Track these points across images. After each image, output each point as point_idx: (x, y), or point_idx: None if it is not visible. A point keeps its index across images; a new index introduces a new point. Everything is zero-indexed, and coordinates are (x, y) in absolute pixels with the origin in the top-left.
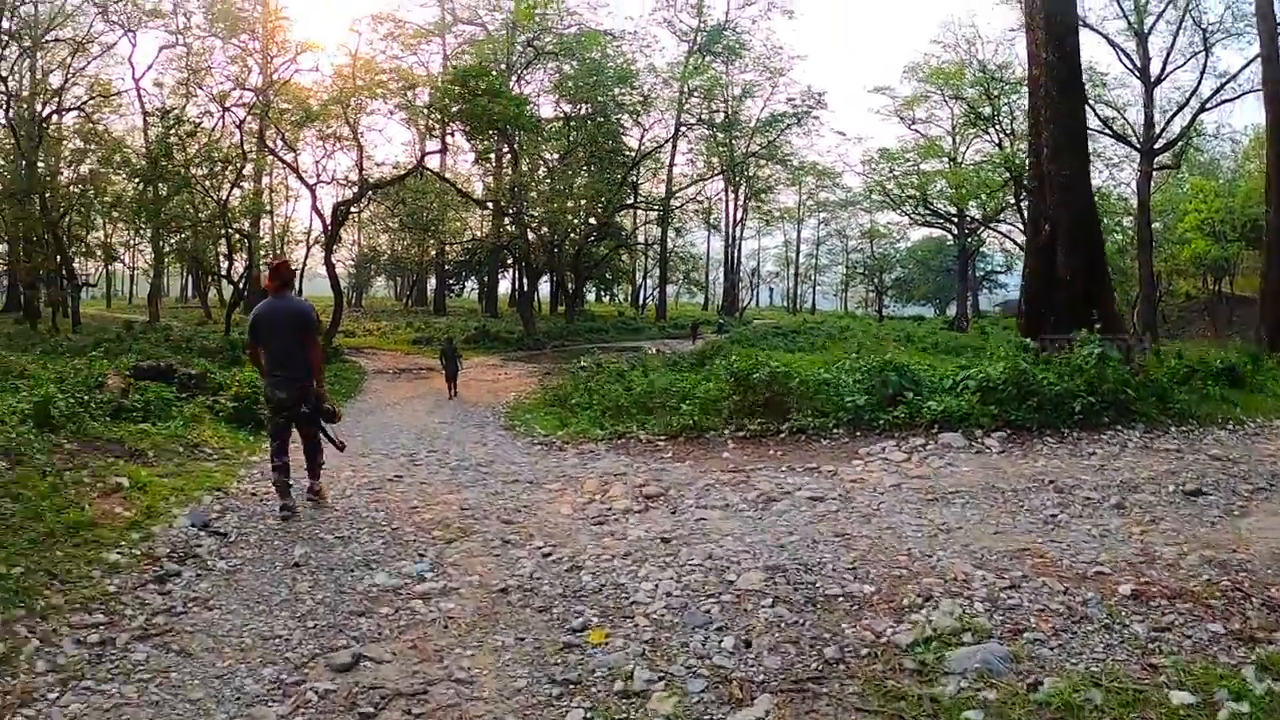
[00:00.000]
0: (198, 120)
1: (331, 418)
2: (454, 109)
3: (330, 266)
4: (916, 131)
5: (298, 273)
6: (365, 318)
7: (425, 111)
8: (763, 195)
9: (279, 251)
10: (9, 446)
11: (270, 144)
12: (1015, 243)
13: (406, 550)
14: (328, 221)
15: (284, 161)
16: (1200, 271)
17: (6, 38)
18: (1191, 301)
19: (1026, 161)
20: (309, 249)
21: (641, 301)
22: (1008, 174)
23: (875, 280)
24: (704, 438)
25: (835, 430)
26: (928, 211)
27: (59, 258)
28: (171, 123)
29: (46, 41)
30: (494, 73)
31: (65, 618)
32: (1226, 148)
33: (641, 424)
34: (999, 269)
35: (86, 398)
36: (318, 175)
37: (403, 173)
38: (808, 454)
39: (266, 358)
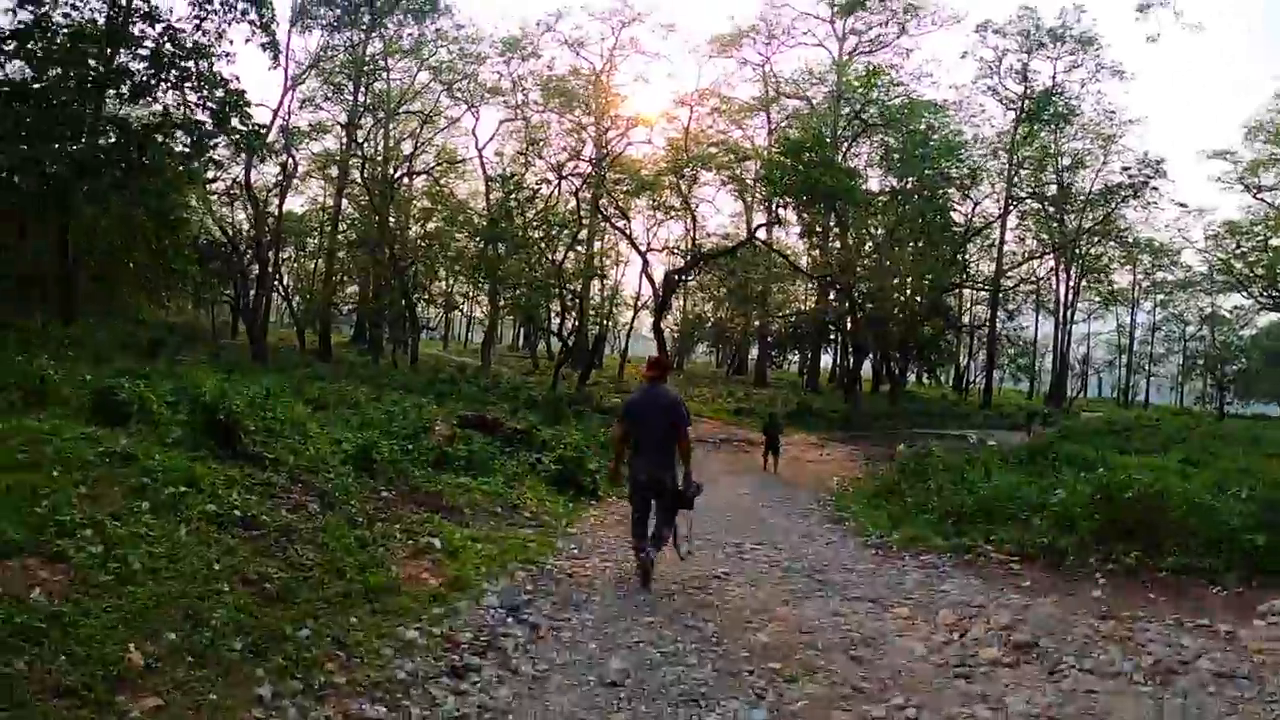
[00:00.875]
0: (535, 187)
1: (689, 503)
2: (784, 181)
3: (659, 332)
4: (1262, 200)
5: (625, 334)
6: (686, 383)
7: (754, 184)
8: (1096, 275)
9: (610, 312)
10: (325, 489)
11: (604, 211)
12: None
13: (740, 684)
14: (658, 288)
15: (617, 228)
16: None
17: (363, 109)
18: None
19: None
20: (636, 312)
21: (964, 385)
22: None
23: (1216, 373)
24: (1064, 564)
25: (1226, 574)
26: (1278, 293)
27: (404, 301)
28: (511, 188)
29: (398, 114)
30: (825, 142)
31: (343, 703)
32: None
33: (986, 534)
34: None
35: (411, 446)
36: (649, 243)
37: (734, 244)
38: (1194, 604)
39: (636, 441)
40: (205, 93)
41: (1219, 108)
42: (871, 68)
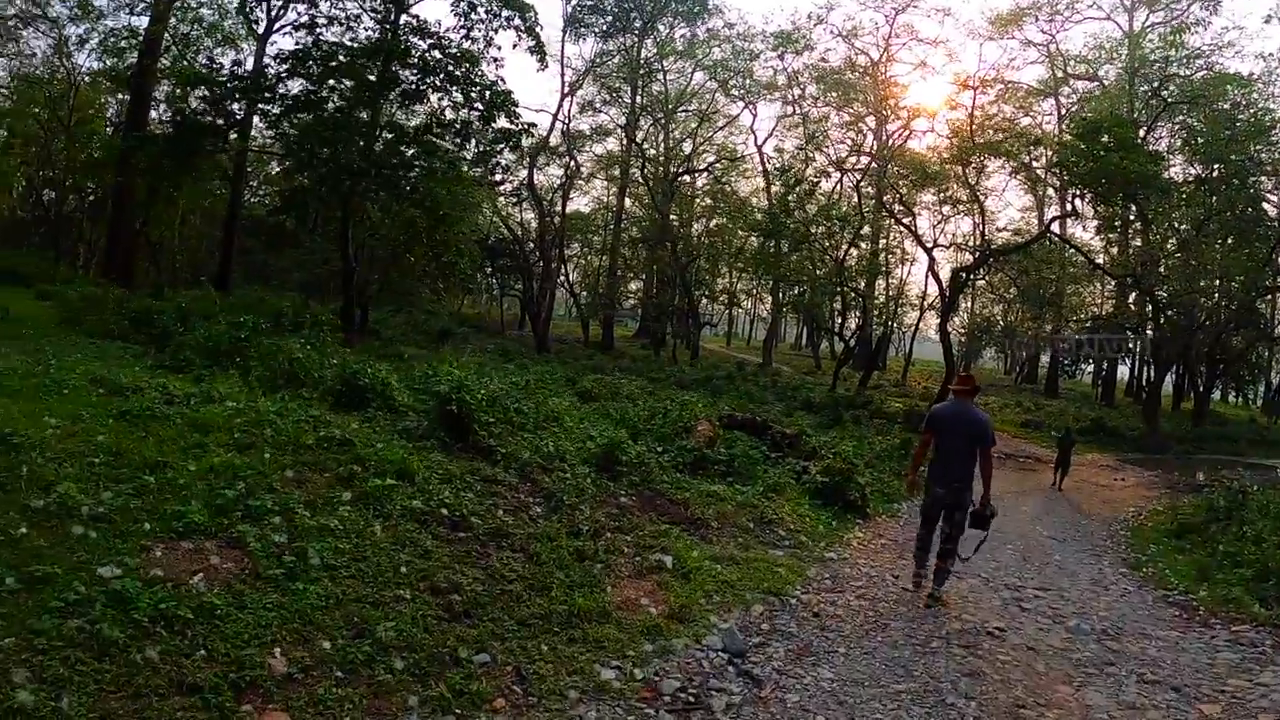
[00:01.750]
0: (815, 180)
1: (983, 523)
2: (1080, 167)
3: (944, 333)
4: None
5: (910, 336)
6: (979, 390)
7: (1047, 172)
8: None
9: (894, 313)
10: (554, 490)
11: (887, 206)
12: None
13: None
14: (944, 287)
15: (901, 224)
16: None
17: (641, 111)
18: None
19: None
20: (922, 313)
21: (1276, 408)
22: None
23: None
24: None
25: None
26: None
27: (685, 297)
28: (792, 180)
29: (676, 114)
30: (1124, 122)
31: None
32: None
33: None
34: None
35: (666, 447)
36: (935, 240)
37: (1026, 239)
38: None
39: (936, 453)
40: (471, 94)
41: None
42: (1175, 26)
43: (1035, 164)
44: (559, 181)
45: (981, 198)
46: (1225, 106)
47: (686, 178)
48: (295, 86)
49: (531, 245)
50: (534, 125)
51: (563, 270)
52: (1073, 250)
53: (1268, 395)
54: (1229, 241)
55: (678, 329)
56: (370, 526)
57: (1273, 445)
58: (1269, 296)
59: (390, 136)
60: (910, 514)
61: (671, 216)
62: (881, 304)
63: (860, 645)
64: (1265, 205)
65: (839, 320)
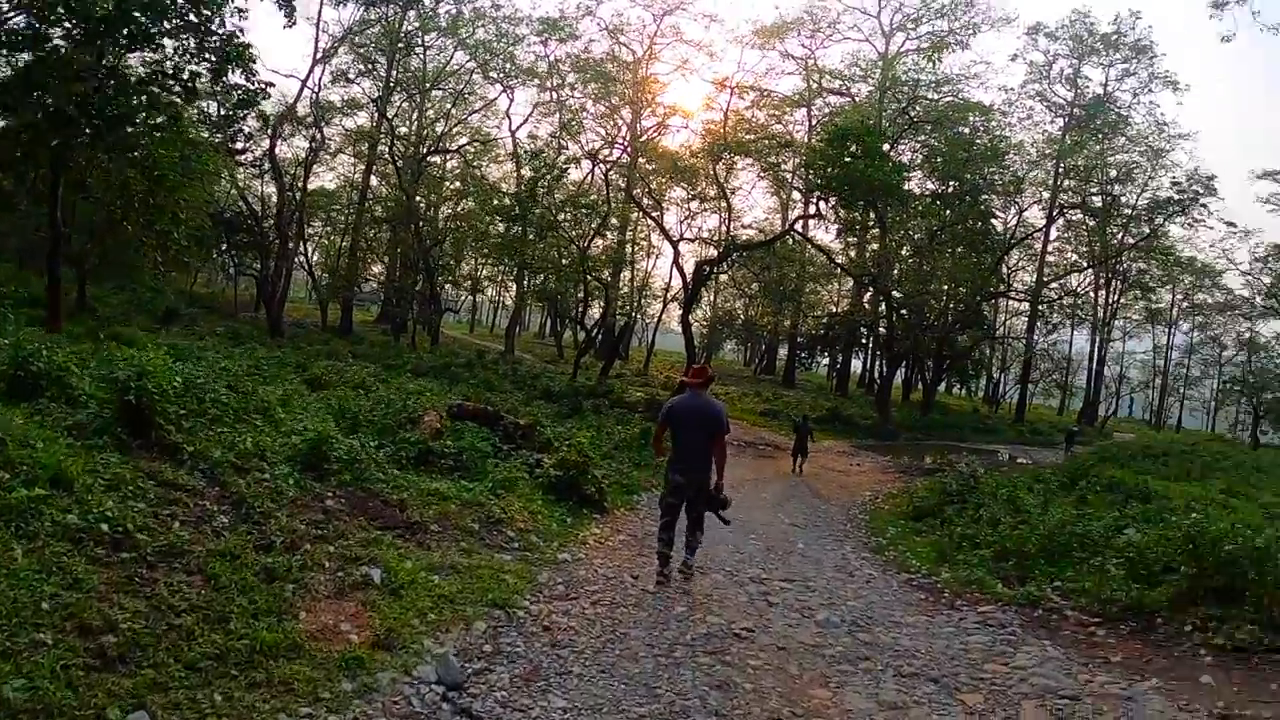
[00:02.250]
0: (565, 166)
1: (723, 505)
2: (827, 171)
3: (687, 325)
4: None
5: (653, 327)
6: (713, 381)
7: (794, 175)
8: (1136, 293)
9: (638, 304)
10: (244, 495)
11: (636, 199)
12: None
13: None
14: (688, 279)
15: (649, 216)
16: None
17: (395, 86)
18: None
19: None
20: (665, 305)
21: (996, 399)
22: None
23: (1253, 400)
24: (1154, 630)
25: None
26: None
27: (428, 281)
28: (540, 165)
29: (432, 92)
30: (873, 132)
31: None
32: None
33: (1050, 579)
34: None
35: (378, 443)
36: (680, 233)
37: (771, 236)
38: None
39: (675, 446)
40: (207, 42)
41: (1272, 126)
42: (934, 42)
43: (784, 167)
44: (304, 154)
45: (729, 195)
46: (965, 131)
47: (436, 158)
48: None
49: (270, 221)
50: (271, 85)
51: (303, 249)
52: (814, 249)
53: (988, 388)
54: (959, 250)
55: (420, 314)
56: (9, 550)
57: (993, 432)
58: (992, 301)
59: (112, 84)
60: (650, 505)
61: (419, 198)
62: (626, 294)
63: (597, 662)
64: (994, 221)
65: (582, 309)
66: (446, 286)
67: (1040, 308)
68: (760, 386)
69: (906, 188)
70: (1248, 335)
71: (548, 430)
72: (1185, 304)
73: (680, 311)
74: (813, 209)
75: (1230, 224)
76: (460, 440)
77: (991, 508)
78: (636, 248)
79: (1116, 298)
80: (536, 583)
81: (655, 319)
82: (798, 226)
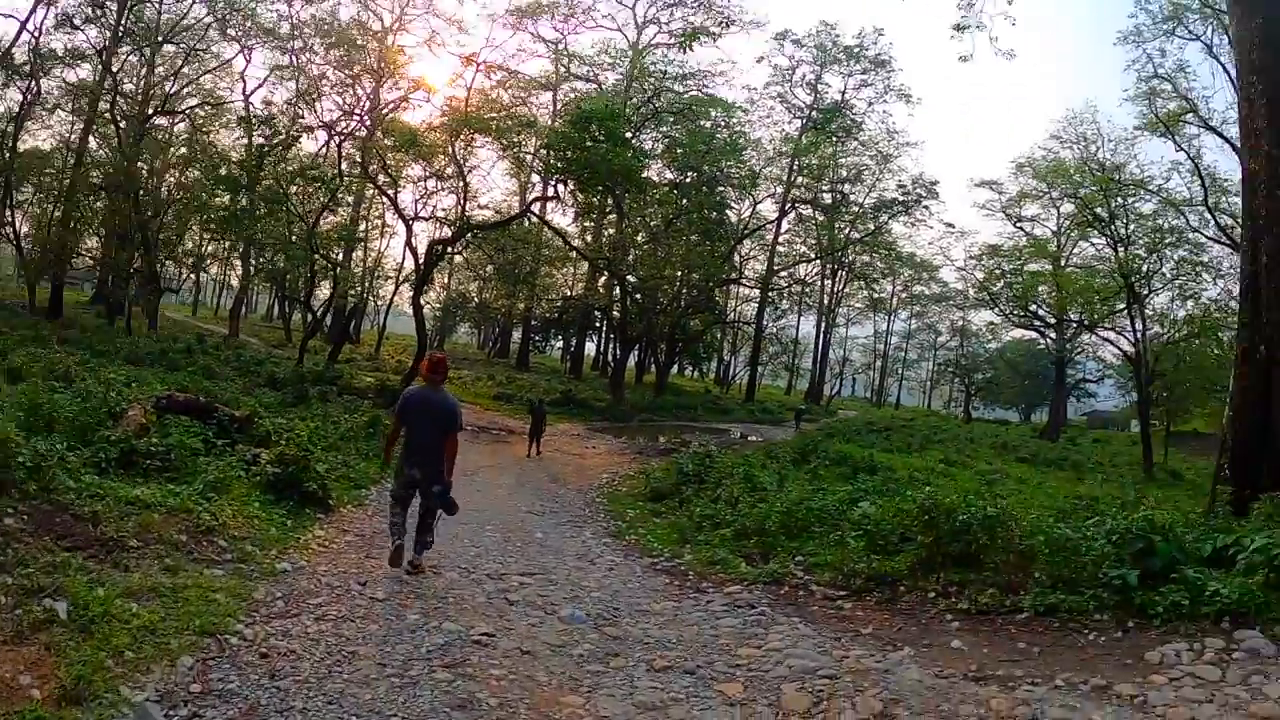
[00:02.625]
0: (298, 134)
1: (450, 507)
2: (570, 154)
3: (418, 306)
4: (1021, 229)
5: (385, 309)
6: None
7: (536, 155)
8: (860, 283)
9: (369, 285)
10: None
11: (371, 175)
12: (1120, 350)
13: None
14: (420, 260)
15: (384, 193)
16: None
17: (124, 34)
18: None
19: (1138, 268)
20: (397, 286)
21: (726, 380)
22: (1122, 279)
23: (966, 380)
24: (900, 599)
25: (1097, 616)
26: (1026, 314)
27: (144, 257)
28: (270, 132)
29: (162, 46)
30: (617, 116)
31: None
32: None
33: (793, 555)
34: (1090, 377)
35: (68, 444)
36: (416, 212)
37: (508, 216)
38: (1075, 654)
39: (408, 440)
40: None
41: (989, 140)
42: (690, 29)
43: (525, 147)
44: (17, 109)
45: (466, 174)
46: (707, 125)
47: (163, 120)
48: None
49: None
50: None
51: (9, 219)
52: (551, 232)
53: (719, 370)
54: (694, 238)
55: (138, 295)
56: None
57: (725, 411)
58: (724, 287)
59: None
60: (379, 499)
61: (140, 164)
62: (357, 275)
63: (323, 691)
64: (729, 211)
65: (309, 289)
66: (167, 264)
67: (770, 294)
68: (494, 370)
69: (646, 175)
70: (960, 323)
71: (267, 422)
72: (904, 294)
73: (412, 293)
74: (551, 191)
75: (949, 224)
76: (168, 437)
77: (729, 487)
78: (370, 226)
79: (842, 287)
80: (252, 600)
81: (388, 301)
82: (535, 208)
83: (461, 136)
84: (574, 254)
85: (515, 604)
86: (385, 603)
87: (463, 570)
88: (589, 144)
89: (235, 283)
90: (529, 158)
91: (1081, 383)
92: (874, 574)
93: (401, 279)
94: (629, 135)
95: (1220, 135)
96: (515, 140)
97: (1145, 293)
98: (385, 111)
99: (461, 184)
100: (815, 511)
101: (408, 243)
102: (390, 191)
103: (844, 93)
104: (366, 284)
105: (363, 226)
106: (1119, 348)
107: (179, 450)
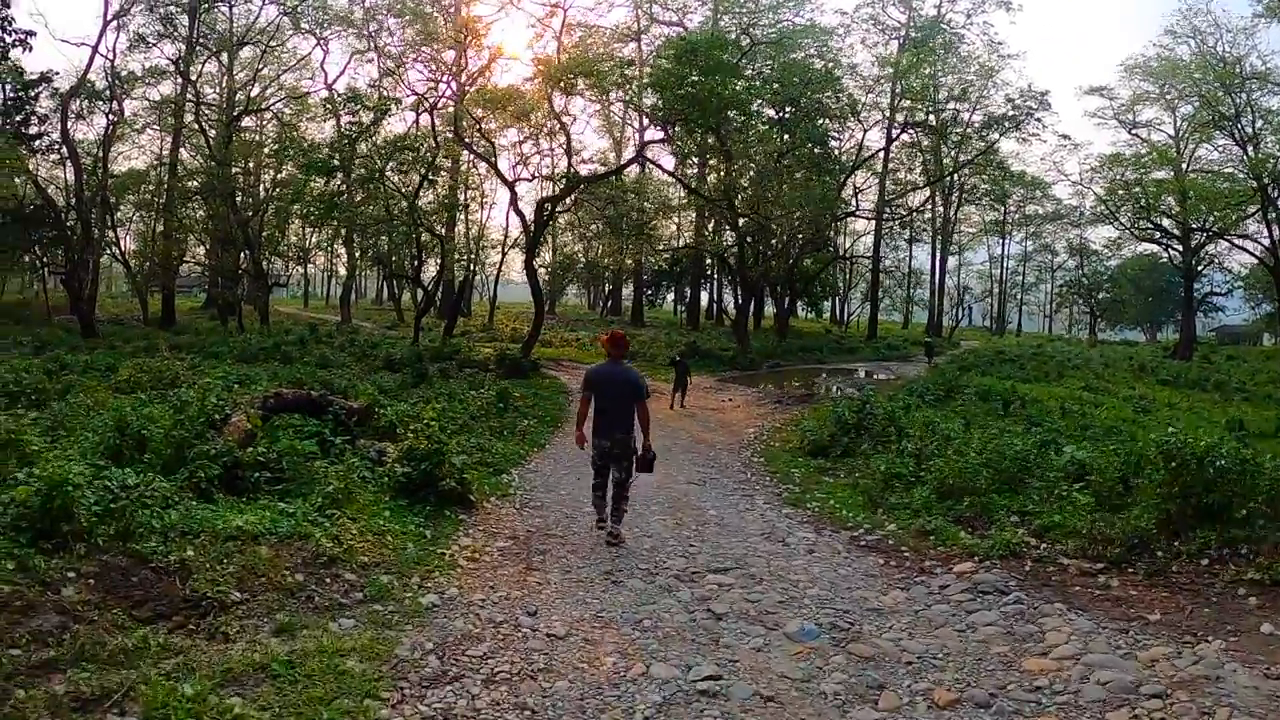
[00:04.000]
0: (385, 105)
1: (648, 466)
2: (678, 92)
3: (531, 270)
4: (1137, 136)
5: (494, 278)
6: (560, 326)
7: (635, 102)
8: (973, 207)
9: (475, 255)
10: None
11: (466, 140)
12: (1255, 257)
13: None
14: (529, 222)
15: (482, 158)
16: None
17: (198, 44)
18: None
19: (1271, 167)
20: (504, 254)
21: (844, 319)
22: (1254, 182)
23: (1089, 301)
24: (1168, 570)
25: None
26: (1150, 225)
27: (250, 256)
28: (358, 105)
29: (240, 51)
30: (724, 46)
31: None
32: None
33: (1012, 516)
34: (1218, 291)
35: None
36: (515, 174)
37: (620, 164)
38: None
39: (596, 413)
40: None
41: (1094, 46)
42: None
43: (627, 89)
44: (103, 132)
45: (568, 127)
46: (799, 56)
47: (249, 120)
48: None
49: (70, 210)
50: (32, 34)
51: (113, 238)
52: (662, 176)
53: (835, 308)
54: (800, 175)
55: (247, 294)
56: None
57: (850, 351)
58: (837, 223)
59: None
60: (524, 484)
61: (234, 166)
62: (462, 247)
63: None
64: (833, 143)
65: (417, 266)
66: (273, 260)
67: (885, 225)
68: (610, 328)
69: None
70: (1078, 241)
71: (389, 410)
72: (1018, 215)
73: (524, 258)
74: (659, 134)
75: (1064, 136)
76: (278, 443)
77: (914, 437)
78: (469, 196)
79: (955, 212)
80: (396, 662)
81: (495, 270)
82: (647, 152)
83: (561, 84)
84: (683, 200)
85: (724, 618)
86: (567, 641)
87: (645, 573)
88: (695, 79)
89: (342, 270)
90: (628, 105)
91: (1209, 296)
92: (1118, 537)
93: (509, 244)
94: (736, 61)
95: None
96: (619, 81)
97: (1275, 194)
98: (471, 78)
99: (565, 137)
100: (1016, 461)
101: (512, 204)
102: (489, 157)
103: (939, 5)
104: (472, 254)
105: (462, 196)
106: (1254, 255)
107: (290, 457)
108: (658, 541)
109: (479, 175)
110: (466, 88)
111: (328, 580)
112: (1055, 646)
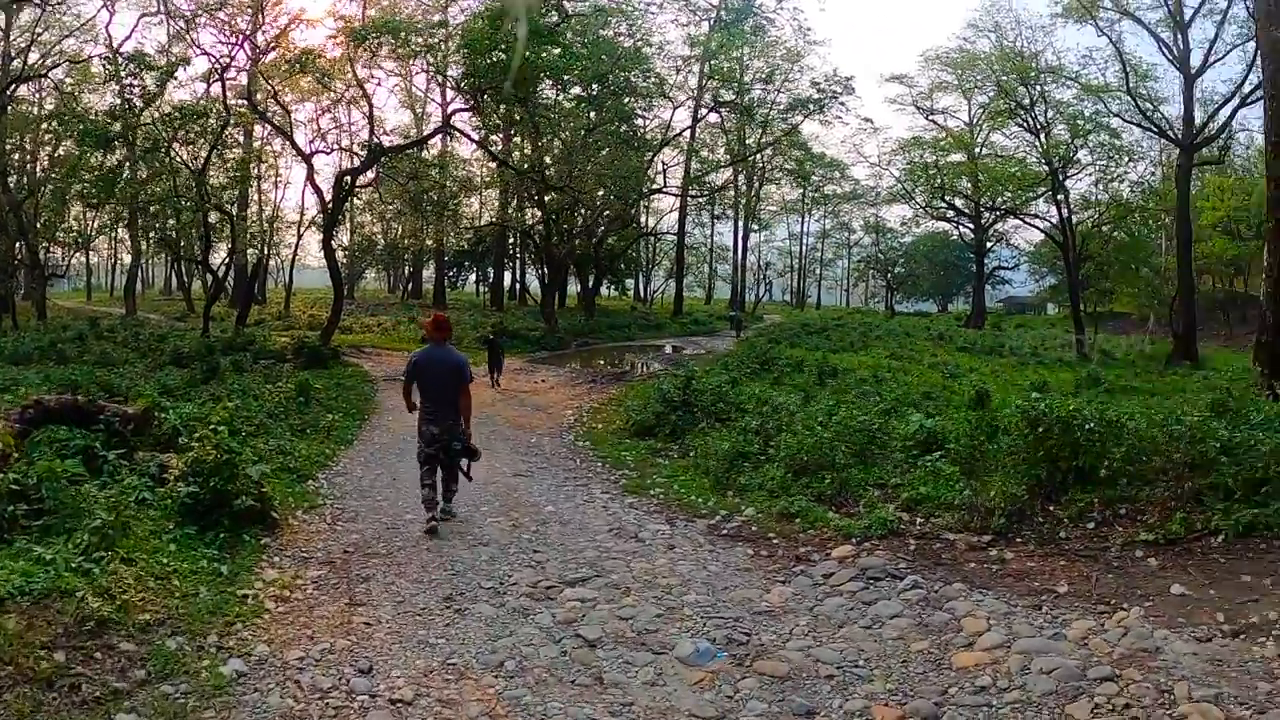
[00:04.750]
0: (171, 67)
1: (473, 455)
2: (490, 59)
3: (330, 251)
4: (933, 123)
5: (289, 263)
6: (361, 312)
7: (434, 75)
8: (774, 185)
9: (269, 237)
10: None
11: (259, 108)
12: (1042, 233)
13: None
14: (327, 198)
15: (278, 129)
16: (1221, 269)
17: None
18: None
19: (1061, 153)
20: (301, 233)
21: (648, 296)
22: (1045, 166)
23: (887, 275)
24: (1056, 537)
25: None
26: (944, 205)
27: (24, 244)
28: (140, 65)
29: (16, 7)
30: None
31: None
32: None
33: (870, 491)
34: (1005, 265)
35: None
36: (312, 147)
37: (425, 134)
38: None
39: (423, 399)
40: None
41: (898, 36)
42: None
43: (430, 58)
44: None
45: (370, 95)
46: (608, 34)
47: (25, 90)
48: None
49: None
50: None
51: None
52: (461, 159)
53: (638, 286)
54: (607, 153)
55: (19, 285)
56: None
57: (658, 327)
58: (643, 201)
59: None
60: (334, 490)
61: (9, 143)
62: (255, 228)
63: None
64: (640, 122)
65: (205, 248)
66: (50, 248)
67: (691, 201)
68: (412, 312)
69: (551, 94)
70: (874, 220)
71: (171, 414)
72: (816, 194)
73: (321, 237)
74: (469, 103)
75: (867, 119)
76: (34, 466)
77: (750, 412)
78: (263, 173)
79: (757, 190)
80: None
81: (291, 252)
82: (455, 121)
83: (366, 46)
84: (488, 177)
85: (599, 644)
86: (418, 707)
87: (491, 593)
88: (507, 43)
89: (127, 258)
90: (433, 74)
91: (997, 270)
92: (1003, 508)
93: (305, 224)
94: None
95: (1137, 20)
96: (426, 45)
97: (1063, 178)
98: (270, 44)
99: (367, 106)
100: (863, 432)
101: (309, 179)
102: (285, 128)
103: None
104: (267, 236)
105: (256, 171)
106: (1045, 233)
107: (50, 483)
108: (497, 550)
109: (273, 151)
110: (263, 54)
111: (98, 655)
112: (978, 635)
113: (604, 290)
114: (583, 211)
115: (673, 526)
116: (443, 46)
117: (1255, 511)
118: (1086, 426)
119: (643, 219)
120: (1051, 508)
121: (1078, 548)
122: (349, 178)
